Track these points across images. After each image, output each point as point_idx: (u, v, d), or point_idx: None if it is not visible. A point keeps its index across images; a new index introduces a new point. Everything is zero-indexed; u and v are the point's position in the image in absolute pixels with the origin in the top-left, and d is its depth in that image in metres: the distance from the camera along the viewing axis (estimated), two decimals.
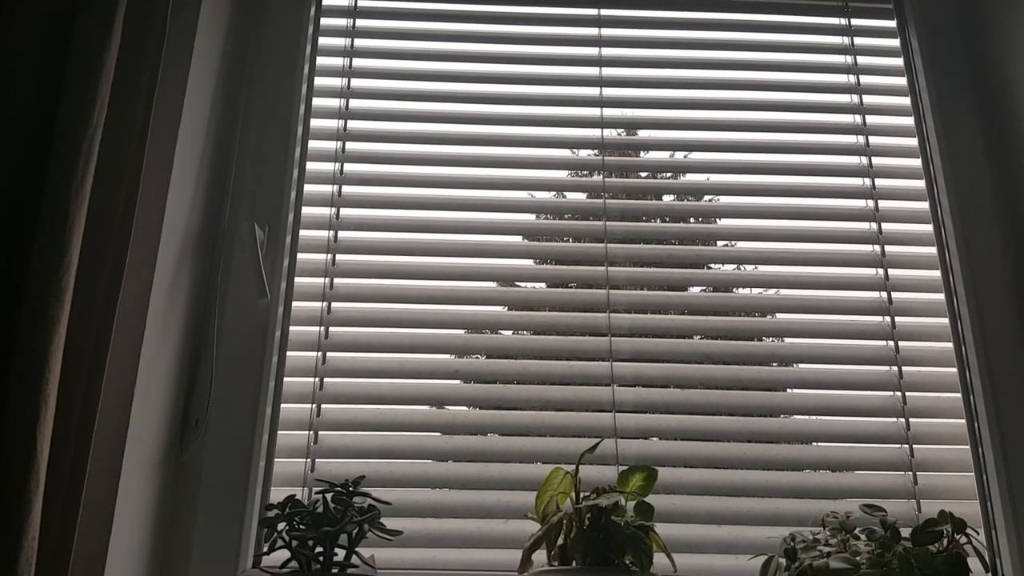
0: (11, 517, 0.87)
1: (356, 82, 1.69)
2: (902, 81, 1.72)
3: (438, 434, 1.48)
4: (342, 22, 1.72)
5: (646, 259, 1.61)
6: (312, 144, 1.61)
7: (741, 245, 1.65)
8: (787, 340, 1.62)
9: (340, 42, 1.71)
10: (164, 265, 1.27)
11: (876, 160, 1.66)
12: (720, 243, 1.72)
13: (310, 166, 1.60)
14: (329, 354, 1.50)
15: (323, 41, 1.69)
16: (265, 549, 1.17)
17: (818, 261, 1.61)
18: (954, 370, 1.50)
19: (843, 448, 1.49)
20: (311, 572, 1.14)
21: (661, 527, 1.24)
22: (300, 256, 1.53)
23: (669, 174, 1.76)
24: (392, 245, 1.58)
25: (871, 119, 1.70)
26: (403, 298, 1.54)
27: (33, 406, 0.91)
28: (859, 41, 1.76)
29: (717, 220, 1.73)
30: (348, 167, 1.63)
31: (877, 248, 1.60)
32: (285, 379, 1.45)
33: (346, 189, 1.61)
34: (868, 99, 1.71)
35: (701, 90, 1.72)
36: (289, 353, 1.47)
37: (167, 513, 1.31)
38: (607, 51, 1.74)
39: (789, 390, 1.58)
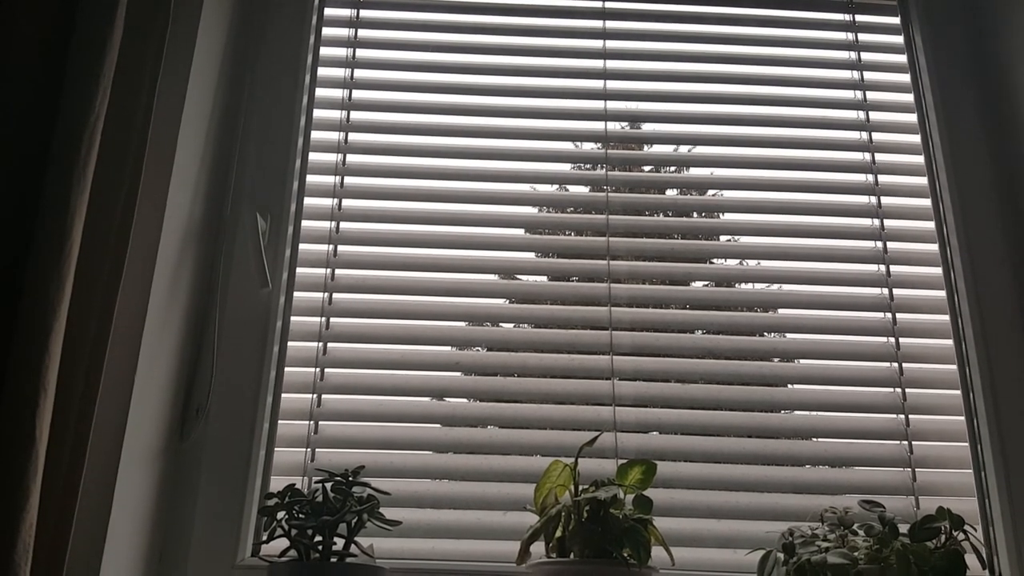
0: (9, 503, 0.87)
1: (359, 73, 1.69)
2: (906, 78, 1.71)
3: (438, 425, 1.48)
4: (345, 12, 1.71)
5: (648, 253, 1.61)
6: (315, 134, 1.61)
7: (744, 240, 1.65)
8: (788, 336, 1.62)
9: (343, 33, 1.71)
10: (166, 254, 1.27)
11: (879, 157, 1.66)
12: (723, 238, 1.72)
13: (313, 156, 1.60)
14: (330, 344, 1.50)
15: (326, 32, 1.69)
16: (264, 538, 1.17)
17: (820, 257, 1.60)
18: (954, 367, 1.50)
19: (843, 444, 1.49)
20: (310, 561, 1.15)
21: (660, 521, 1.24)
22: (302, 246, 1.54)
23: (672, 168, 1.76)
24: (394, 237, 1.58)
25: (875, 115, 1.69)
26: (405, 290, 1.54)
27: (33, 393, 0.91)
28: (863, 37, 1.75)
29: (720, 215, 1.73)
30: (351, 157, 1.63)
31: (879, 245, 1.60)
32: (286, 369, 1.46)
33: (348, 180, 1.61)
34: (872, 96, 1.71)
35: (705, 84, 1.72)
36: (290, 343, 1.47)
37: (166, 501, 1.32)
38: (611, 44, 1.74)
39: (790, 386, 1.58)
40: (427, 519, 1.39)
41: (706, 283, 1.67)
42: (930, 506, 1.24)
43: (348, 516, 1.16)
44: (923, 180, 1.64)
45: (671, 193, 1.78)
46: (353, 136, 1.65)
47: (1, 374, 0.92)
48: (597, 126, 1.68)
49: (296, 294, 1.51)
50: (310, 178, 1.59)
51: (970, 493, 1.43)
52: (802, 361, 1.59)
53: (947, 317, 1.53)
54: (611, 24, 1.75)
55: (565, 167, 1.71)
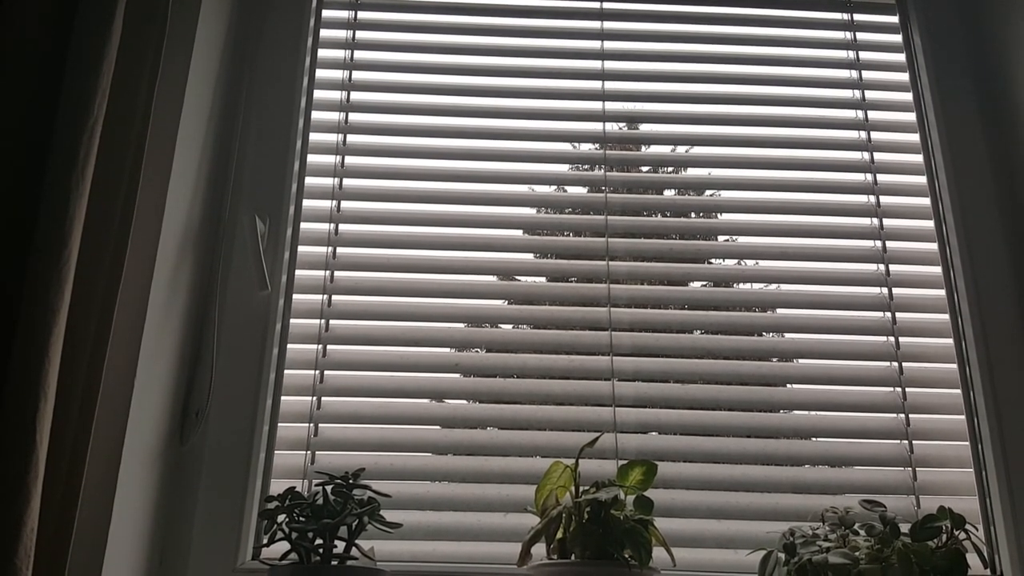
0: (10, 508, 0.87)
1: (357, 75, 1.69)
2: (904, 77, 1.71)
3: (438, 427, 1.48)
4: (343, 14, 1.71)
5: (647, 254, 1.61)
6: (313, 137, 1.61)
7: (742, 240, 1.65)
8: (787, 335, 1.62)
9: (341, 34, 1.70)
10: (165, 257, 1.27)
11: (878, 156, 1.66)
12: (721, 238, 1.72)
13: (311, 159, 1.60)
14: (329, 347, 1.50)
15: (324, 33, 1.69)
16: (265, 541, 1.17)
17: (819, 256, 1.60)
18: (954, 366, 1.50)
19: (843, 444, 1.49)
20: (311, 564, 1.15)
21: (660, 521, 1.24)
22: (301, 249, 1.53)
23: (671, 169, 1.76)
24: (393, 238, 1.58)
25: (873, 115, 1.69)
26: (404, 291, 1.54)
27: (33, 398, 0.91)
28: (861, 36, 1.75)
29: (718, 215, 1.73)
30: (349, 160, 1.63)
31: (878, 244, 1.60)
32: (285, 371, 1.46)
33: (347, 182, 1.61)
34: (870, 95, 1.71)
35: (703, 84, 1.71)
36: (289, 346, 1.47)
37: (167, 505, 1.31)
38: (609, 45, 1.73)
39: (789, 385, 1.58)
40: (427, 521, 1.39)
41: (705, 283, 1.67)
42: (931, 505, 1.24)
43: (348, 519, 1.16)
44: (922, 179, 1.64)
45: (669, 193, 1.78)
46: (352, 138, 1.64)
47: (2, 379, 0.91)
48: (595, 127, 1.67)
49: (295, 296, 1.51)
50: (309, 180, 1.58)
51: (971, 492, 1.43)
52: (801, 361, 1.59)
53: (947, 316, 1.53)
54: (609, 25, 1.75)
55: (563, 168, 1.71)
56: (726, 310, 1.59)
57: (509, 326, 1.59)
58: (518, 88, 1.70)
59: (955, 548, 1.14)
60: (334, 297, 1.53)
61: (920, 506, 1.42)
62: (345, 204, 1.60)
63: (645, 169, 1.73)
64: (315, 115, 1.62)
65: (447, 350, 1.53)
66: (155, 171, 1.24)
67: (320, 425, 1.46)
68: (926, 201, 1.62)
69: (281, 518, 1.17)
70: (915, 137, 1.67)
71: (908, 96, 1.70)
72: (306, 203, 1.57)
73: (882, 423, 1.49)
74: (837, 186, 1.65)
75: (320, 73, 1.66)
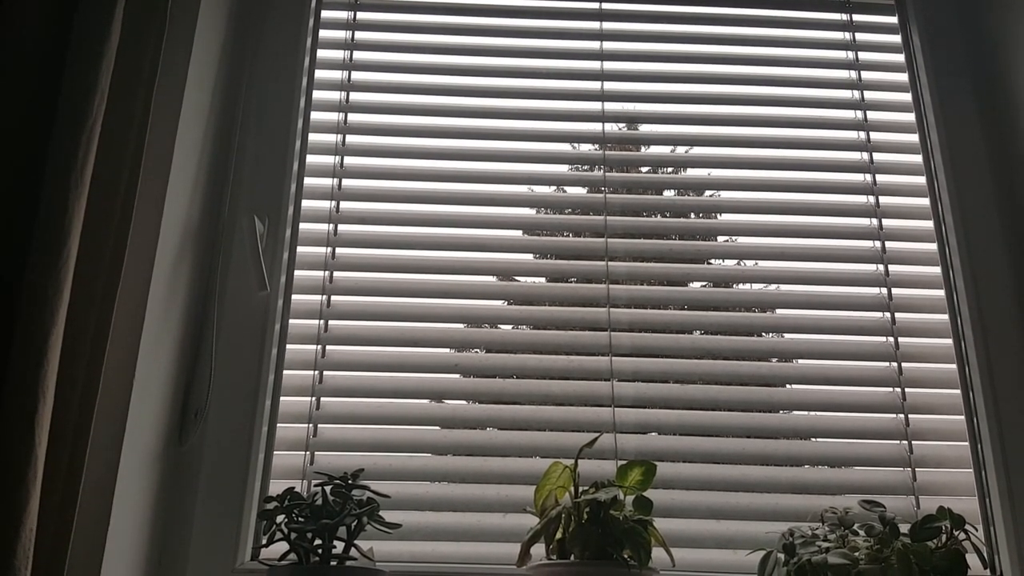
0: (9, 509, 0.87)
1: (356, 75, 1.69)
2: (903, 77, 1.71)
3: (437, 428, 1.48)
4: (343, 15, 1.71)
5: (646, 254, 1.61)
6: (312, 137, 1.61)
7: (742, 240, 1.65)
8: (787, 336, 1.62)
9: (340, 35, 1.71)
10: (163, 257, 1.27)
11: (877, 156, 1.66)
12: (721, 238, 1.72)
13: (310, 159, 1.60)
14: (329, 347, 1.50)
15: (323, 34, 1.69)
16: (264, 541, 1.17)
17: (819, 257, 1.60)
18: (954, 367, 1.50)
19: (842, 444, 1.49)
20: (310, 564, 1.14)
21: (660, 522, 1.24)
22: (300, 249, 1.53)
23: (670, 169, 1.76)
24: (392, 239, 1.58)
25: (873, 115, 1.69)
26: (403, 292, 1.54)
27: (32, 398, 0.91)
28: (861, 37, 1.75)
29: (718, 215, 1.72)
30: (348, 160, 1.63)
31: (878, 244, 1.60)
32: (284, 372, 1.45)
33: (346, 183, 1.61)
34: (869, 95, 1.71)
35: (702, 85, 1.72)
36: (289, 346, 1.47)
37: (166, 505, 1.31)
38: (608, 45, 1.74)
39: (788, 386, 1.58)
40: (427, 522, 1.39)
41: (704, 284, 1.67)
42: (930, 506, 1.24)
43: (348, 519, 1.16)
44: (921, 179, 1.64)
45: (669, 194, 1.78)
46: (351, 138, 1.64)
47: (0, 380, 0.91)
48: (594, 127, 1.67)
49: (294, 297, 1.51)
50: (308, 180, 1.58)
51: (970, 492, 1.43)
52: (801, 361, 1.59)
53: (946, 316, 1.53)
54: (608, 25, 1.75)
55: (563, 168, 1.71)
56: (725, 310, 1.59)
57: (508, 326, 1.59)
58: (517, 88, 1.70)
59: (955, 548, 1.14)
60: (333, 298, 1.53)
61: (920, 506, 1.42)
62: (344, 204, 1.60)
63: (644, 169, 1.73)
64: (314, 115, 1.62)
65: (446, 351, 1.53)
66: (154, 171, 1.24)
67: (319, 426, 1.46)
68: (925, 201, 1.62)
69: (280, 518, 1.17)
70: (914, 137, 1.67)
71: (907, 96, 1.70)
72: (305, 203, 1.56)
73: (881, 423, 1.49)
74: (836, 186, 1.65)
75: (319, 73, 1.66)
